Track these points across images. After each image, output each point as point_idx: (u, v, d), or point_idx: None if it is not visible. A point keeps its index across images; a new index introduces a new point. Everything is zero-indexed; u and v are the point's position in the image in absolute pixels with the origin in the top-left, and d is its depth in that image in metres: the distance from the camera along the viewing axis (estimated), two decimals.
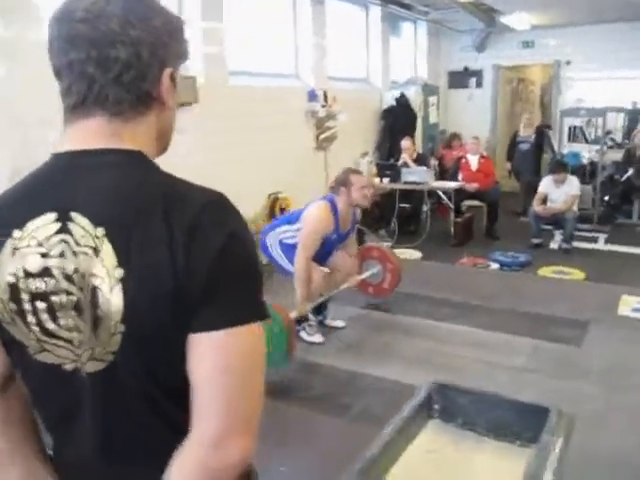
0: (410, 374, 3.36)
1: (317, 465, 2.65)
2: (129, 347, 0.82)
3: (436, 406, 1.78)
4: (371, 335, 4.16)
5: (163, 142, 0.95)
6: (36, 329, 0.85)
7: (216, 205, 0.85)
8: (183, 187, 0.86)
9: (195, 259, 0.80)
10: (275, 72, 6.37)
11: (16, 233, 0.83)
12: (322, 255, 3.91)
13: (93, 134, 0.86)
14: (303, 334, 3.99)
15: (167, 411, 0.87)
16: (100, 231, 0.81)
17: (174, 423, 0.85)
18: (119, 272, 0.80)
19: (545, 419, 1.61)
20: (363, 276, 4.44)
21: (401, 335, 4.12)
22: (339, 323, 4.26)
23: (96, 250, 0.81)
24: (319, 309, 4.20)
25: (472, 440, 1.75)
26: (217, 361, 0.81)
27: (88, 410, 0.88)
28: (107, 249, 0.80)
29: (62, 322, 0.84)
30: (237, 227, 0.85)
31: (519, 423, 1.75)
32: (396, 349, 3.88)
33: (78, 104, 0.86)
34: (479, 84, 10.08)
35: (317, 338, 3.99)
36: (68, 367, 0.86)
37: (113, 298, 0.80)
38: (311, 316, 4.09)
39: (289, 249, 3.87)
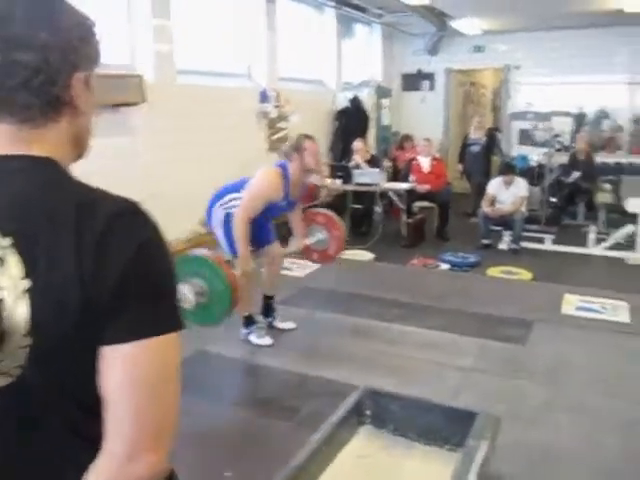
0: (360, 376, 3.34)
1: (264, 470, 2.60)
2: (36, 360, 0.79)
3: (367, 412, 1.78)
4: (321, 337, 4.14)
5: (79, 148, 0.92)
6: None
7: (129, 213, 0.82)
8: (95, 195, 0.83)
9: (105, 269, 0.77)
10: (226, 72, 6.30)
11: None
12: (264, 219, 3.82)
13: None
14: (252, 337, 3.93)
15: (81, 427, 0.84)
16: (7, 241, 0.77)
17: (90, 439, 0.82)
18: (25, 283, 0.77)
19: (472, 423, 1.62)
20: (309, 242, 4.36)
21: (352, 337, 4.11)
22: (289, 325, 4.21)
23: (2, 261, 0.77)
24: (267, 311, 4.16)
25: (403, 446, 1.75)
26: (126, 374, 0.78)
27: None
28: (13, 259, 0.77)
29: None
30: (150, 236, 0.82)
31: (448, 428, 1.75)
32: (347, 351, 3.87)
33: None
34: (432, 87, 10.22)
35: (266, 340, 3.93)
36: None
37: (18, 310, 0.77)
38: (260, 318, 4.06)
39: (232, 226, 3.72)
